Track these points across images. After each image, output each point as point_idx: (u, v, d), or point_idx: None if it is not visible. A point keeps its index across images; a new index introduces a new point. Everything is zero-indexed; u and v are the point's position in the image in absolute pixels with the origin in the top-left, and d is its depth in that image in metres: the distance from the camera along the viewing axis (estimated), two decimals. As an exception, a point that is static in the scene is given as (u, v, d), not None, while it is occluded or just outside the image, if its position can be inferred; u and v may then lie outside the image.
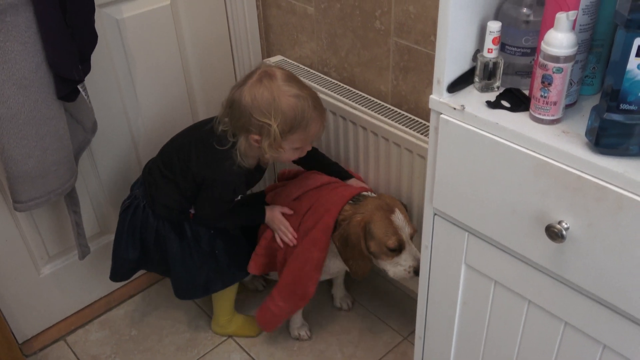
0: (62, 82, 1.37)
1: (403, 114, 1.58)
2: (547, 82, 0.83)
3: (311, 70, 1.80)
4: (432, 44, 1.47)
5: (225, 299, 1.78)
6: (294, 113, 1.38)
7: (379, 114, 1.58)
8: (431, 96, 0.94)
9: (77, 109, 1.51)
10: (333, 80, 1.74)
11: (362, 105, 1.61)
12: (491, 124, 0.88)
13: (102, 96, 1.64)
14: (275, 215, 1.59)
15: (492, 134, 0.88)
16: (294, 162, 1.68)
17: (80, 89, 1.43)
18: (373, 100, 1.64)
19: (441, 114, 0.94)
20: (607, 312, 0.87)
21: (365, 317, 1.88)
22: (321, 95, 1.67)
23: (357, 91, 1.69)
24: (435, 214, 1.05)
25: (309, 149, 1.50)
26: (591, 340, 0.91)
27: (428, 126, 1.51)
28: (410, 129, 1.51)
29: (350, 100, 1.64)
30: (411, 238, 1.51)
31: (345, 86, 1.71)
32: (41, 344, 1.83)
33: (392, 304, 1.92)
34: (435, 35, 1.38)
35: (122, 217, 1.64)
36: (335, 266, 1.64)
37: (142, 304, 1.97)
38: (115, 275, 1.71)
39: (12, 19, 1.24)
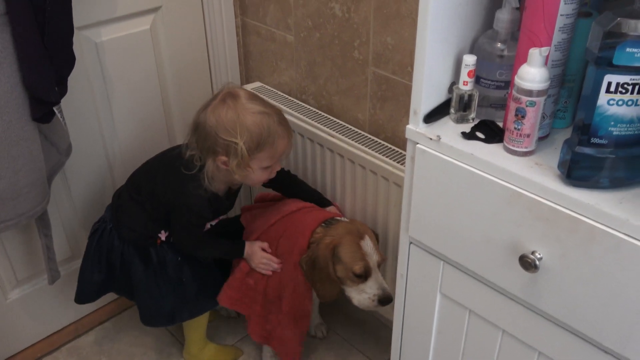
0: (37, 104, 1.36)
1: (380, 142, 1.59)
2: (520, 115, 0.85)
3: (289, 97, 1.81)
4: (409, 75, 1.49)
5: (195, 328, 1.75)
6: (260, 129, 1.38)
7: (355, 141, 1.59)
8: (408, 126, 0.96)
9: (51, 130, 1.49)
10: (311, 108, 1.76)
11: (340, 133, 1.62)
12: (466, 155, 0.89)
13: (78, 118, 1.63)
14: (255, 252, 1.57)
15: (467, 165, 0.90)
16: (274, 189, 1.69)
17: (56, 111, 1.42)
18: (350, 128, 1.66)
19: (417, 143, 0.95)
20: (580, 343, 0.88)
21: (340, 345, 1.87)
22: (298, 123, 1.69)
23: (334, 119, 1.70)
24: (410, 243, 1.06)
25: (278, 168, 1.50)
26: (564, 370, 0.92)
27: (404, 155, 1.53)
28: (386, 157, 1.53)
29: (327, 127, 1.65)
30: (379, 267, 1.51)
31: (323, 114, 1.72)
32: (6, 372, 1.78)
33: (367, 332, 1.91)
34: (412, 66, 1.40)
35: (90, 239, 1.63)
36: None
37: (112, 330, 1.93)
38: (80, 297, 1.67)
39: (-11, 40, 1.24)
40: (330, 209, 1.66)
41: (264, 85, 1.88)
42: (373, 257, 1.48)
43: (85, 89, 1.62)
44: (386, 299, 1.48)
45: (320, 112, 1.73)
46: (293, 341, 1.66)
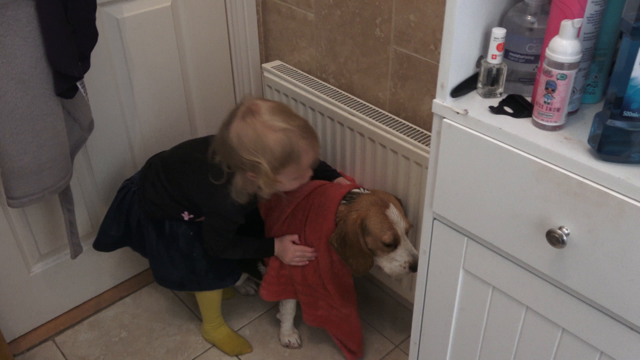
0: (61, 79, 1.36)
1: (400, 122, 1.58)
2: (550, 88, 0.83)
3: (309, 76, 1.80)
4: (432, 53, 1.47)
5: (208, 304, 1.76)
6: (282, 147, 1.34)
7: (376, 120, 1.58)
8: (434, 100, 0.94)
9: (74, 106, 1.50)
10: (331, 87, 1.74)
11: (360, 112, 1.61)
12: (494, 129, 0.88)
13: (99, 95, 1.63)
14: (286, 247, 1.57)
15: (495, 139, 0.88)
16: None
17: (79, 86, 1.42)
18: (371, 107, 1.64)
19: (444, 118, 0.94)
20: (606, 319, 0.87)
21: (357, 324, 1.87)
22: (318, 101, 1.68)
23: (355, 98, 1.69)
24: (434, 219, 1.05)
25: (310, 174, 1.48)
26: (589, 347, 0.91)
27: (425, 134, 1.52)
28: (407, 136, 1.52)
29: (348, 106, 1.64)
30: (407, 233, 1.51)
31: (343, 92, 1.71)
32: (29, 344, 1.81)
33: (384, 311, 1.91)
34: (435, 44, 1.39)
35: (117, 194, 1.65)
36: None
37: (132, 305, 1.95)
38: (97, 244, 1.71)
39: (13, 13, 1.23)
40: (340, 180, 1.66)
41: (284, 64, 1.87)
42: (400, 225, 1.48)
43: (106, 65, 1.62)
44: (415, 265, 1.48)
45: (340, 91, 1.72)
46: (350, 319, 1.67)
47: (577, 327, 0.91)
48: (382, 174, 1.61)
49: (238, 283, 1.91)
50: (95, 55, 1.53)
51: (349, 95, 1.70)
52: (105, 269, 1.91)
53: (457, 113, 0.91)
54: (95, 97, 1.60)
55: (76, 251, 1.68)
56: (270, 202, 1.67)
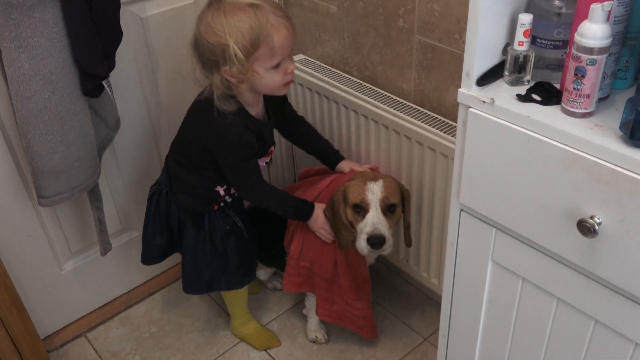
0: (87, 78, 1.38)
1: (426, 113, 1.56)
2: (580, 74, 0.81)
3: (333, 69, 1.79)
4: (456, 42, 1.45)
5: (234, 302, 1.77)
6: (249, 24, 1.27)
7: (401, 112, 1.56)
8: (460, 89, 0.93)
9: (101, 105, 1.51)
10: (354, 79, 1.73)
11: (384, 104, 1.60)
12: (522, 117, 0.86)
13: (125, 93, 1.64)
14: (319, 215, 1.54)
15: (523, 128, 0.87)
16: (287, 137, 1.70)
17: (105, 85, 1.43)
18: (395, 99, 1.63)
19: (470, 107, 0.92)
20: (639, 310, 0.85)
21: (385, 318, 1.86)
22: (342, 94, 1.67)
23: (379, 90, 1.68)
24: (461, 210, 1.03)
25: (292, 67, 1.39)
26: (622, 338, 0.89)
27: (451, 125, 1.50)
28: (433, 127, 1.50)
29: (371, 98, 1.62)
30: (385, 209, 1.46)
31: (366, 85, 1.70)
32: (62, 340, 1.84)
33: (413, 305, 1.90)
34: (459, 33, 1.37)
35: (148, 202, 1.63)
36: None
37: (162, 301, 1.97)
38: (146, 259, 1.70)
39: (40, 15, 1.25)
40: (342, 164, 1.63)
41: (307, 58, 1.86)
42: (375, 194, 1.44)
43: (131, 64, 1.63)
44: (374, 238, 1.42)
45: (364, 84, 1.71)
46: (364, 313, 1.66)
47: (610, 318, 0.89)
48: (408, 167, 1.60)
49: (265, 277, 1.91)
50: (120, 54, 1.54)
51: (373, 87, 1.69)
52: (135, 265, 1.93)
53: (484, 102, 0.90)
54: (121, 96, 1.62)
55: (106, 248, 1.70)
56: (295, 192, 1.67)
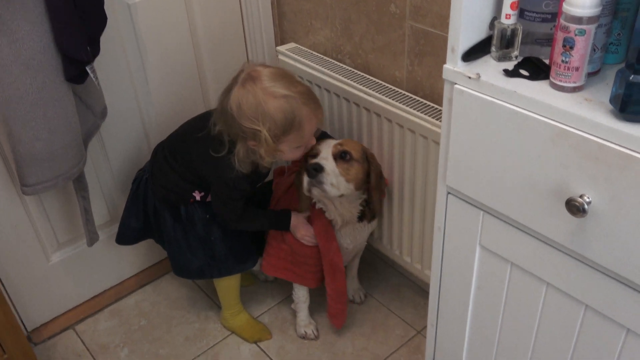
0: (70, 64, 1.34)
1: (418, 100, 1.52)
2: (568, 45, 0.77)
3: (325, 57, 1.75)
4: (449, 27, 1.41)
5: (226, 290, 1.73)
6: (283, 115, 1.31)
7: (393, 99, 1.52)
8: (445, 65, 0.89)
9: (86, 92, 1.48)
10: (347, 67, 1.69)
11: (376, 92, 1.56)
12: (508, 92, 0.82)
13: (112, 81, 1.61)
14: (299, 223, 1.55)
15: (509, 103, 0.83)
16: None
17: (89, 72, 1.40)
18: (387, 87, 1.59)
19: (455, 84, 0.88)
20: (631, 294, 0.81)
21: (378, 310, 1.82)
22: (334, 82, 1.63)
23: (371, 78, 1.64)
24: (448, 193, 1.00)
25: (313, 143, 1.45)
26: (614, 324, 0.85)
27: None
28: (425, 114, 1.46)
29: (363, 86, 1.59)
30: (339, 156, 1.44)
31: (359, 73, 1.66)
32: (50, 332, 1.80)
33: (406, 298, 1.86)
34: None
35: (132, 185, 1.63)
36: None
37: (152, 294, 1.93)
38: (119, 239, 1.69)
39: (20, -3, 1.22)
40: None
41: (299, 46, 1.82)
42: (330, 143, 1.46)
43: (118, 51, 1.59)
44: (310, 165, 1.40)
45: (356, 71, 1.67)
46: (333, 298, 1.64)
47: (601, 303, 0.85)
48: (400, 155, 1.56)
49: (256, 268, 1.88)
50: (107, 41, 1.51)
51: (365, 75, 1.65)
52: (125, 257, 1.90)
53: (469, 78, 0.86)
54: (108, 84, 1.59)
55: (92, 239, 1.67)
56: (285, 176, 1.65)
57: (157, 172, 1.55)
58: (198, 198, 1.55)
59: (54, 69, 1.32)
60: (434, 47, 1.48)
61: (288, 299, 1.85)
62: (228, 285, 1.72)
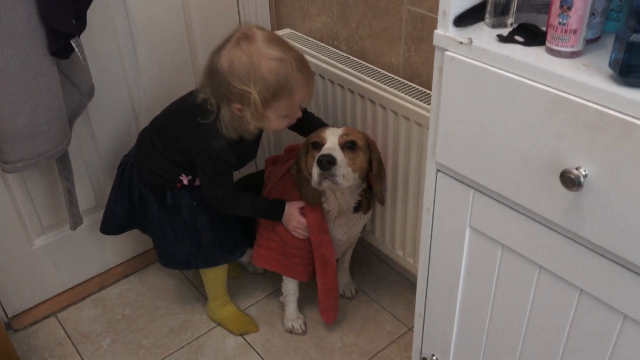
0: (54, 36, 1.29)
1: (414, 87, 1.48)
2: (566, 5, 0.72)
3: (320, 44, 1.71)
4: (446, 10, 1.36)
5: (213, 281, 1.68)
6: (276, 78, 1.25)
7: (388, 86, 1.47)
8: (436, 31, 0.84)
9: (72, 69, 1.43)
10: (342, 54, 1.65)
11: (372, 78, 1.51)
12: (502, 58, 0.77)
13: (100, 59, 1.57)
14: (292, 214, 1.49)
15: (503, 70, 0.77)
16: (293, 129, 1.59)
17: (75, 46, 1.35)
18: (383, 73, 1.54)
19: (446, 50, 0.83)
20: (630, 276, 0.75)
21: (369, 306, 1.77)
22: (328, 68, 1.59)
23: (366, 64, 1.59)
24: (438, 171, 0.94)
25: (299, 115, 1.39)
26: (610, 309, 0.79)
27: (439, 98, 1.41)
28: (420, 101, 1.41)
29: (359, 72, 1.54)
30: (346, 146, 1.39)
31: (354, 59, 1.61)
32: (31, 319, 1.75)
33: (398, 294, 1.80)
34: None
35: (117, 171, 1.58)
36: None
37: (137, 283, 1.88)
38: (104, 227, 1.63)
39: (1, -36, 1.18)
40: None
41: (295, 32, 1.78)
42: (334, 133, 1.40)
43: (108, 28, 1.55)
44: (321, 156, 1.33)
45: (351, 58, 1.62)
46: (324, 293, 1.58)
47: (597, 287, 0.79)
48: (394, 143, 1.50)
49: (245, 259, 1.82)
50: (96, 17, 1.47)
51: (361, 61, 1.60)
52: (111, 245, 1.85)
53: (461, 43, 0.81)
54: (95, 62, 1.54)
55: (76, 222, 1.62)
56: (277, 165, 1.60)
57: (142, 155, 1.50)
58: (185, 182, 1.50)
59: (37, 41, 1.27)
60: (430, 32, 1.41)
61: (277, 291, 1.80)
62: (215, 276, 1.67)
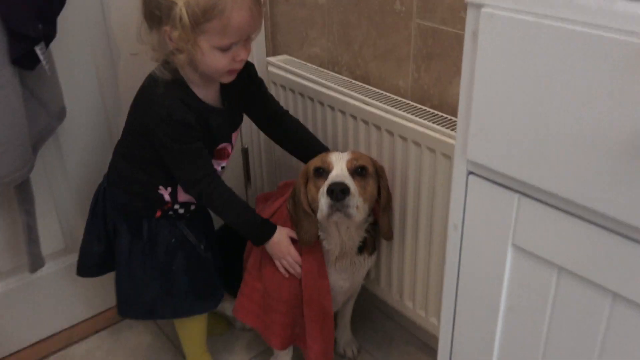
0: (15, 40, 1.11)
1: (423, 109, 1.28)
2: None
3: (319, 69, 1.53)
4: (462, 22, 1.18)
5: (190, 336, 1.41)
6: None
7: (395, 108, 1.28)
8: (468, -17, 0.64)
9: (39, 85, 1.23)
10: (344, 78, 1.46)
11: (376, 101, 1.32)
12: (562, 4, 0.57)
13: (74, 77, 1.37)
14: (281, 241, 1.25)
15: (562, 22, 0.57)
16: (269, 135, 1.41)
17: (40, 55, 1.16)
18: (389, 96, 1.35)
19: (482, 6, 0.63)
20: None
21: (374, 368, 1.49)
22: (327, 92, 1.40)
23: (370, 87, 1.40)
24: (469, 173, 0.72)
25: (244, 56, 1.13)
26: None
27: (454, 121, 1.21)
28: (432, 123, 1.21)
29: (361, 95, 1.34)
30: (356, 172, 1.19)
31: (356, 83, 1.43)
32: (-18, 380, 1.47)
33: (406, 353, 1.52)
34: (465, 10, 1.10)
35: (91, 201, 1.34)
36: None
37: (108, 340, 1.60)
38: (80, 269, 1.37)
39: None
40: None
41: (293, 59, 1.60)
42: (342, 157, 1.20)
43: (84, 44, 1.36)
44: (333, 184, 1.12)
45: (353, 81, 1.44)
46: (318, 354, 1.31)
47: None
48: (402, 173, 1.28)
49: (231, 313, 1.56)
50: (71, 30, 1.29)
51: (365, 85, 1.42)
52: (80, 296, 1.59)
53: (503, -7, 0.61)
54: (69, 80, 1.34)
55: (35, 264, 1.37)
56: (269, 202, 1.37)
57: (113, 173, 1.28)
58: (167, 197, 1.25)
59: (-5, 47, 1.08)
60: (443, 47, 1.24)
61: (268, 351, 1.53)
62: (192, 330, 1.40)
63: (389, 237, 1.31)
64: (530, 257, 0.69)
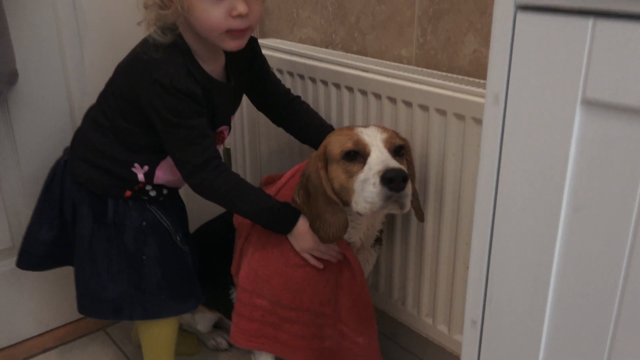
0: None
1: (428, 71, 1.09)
2: None
3: (311, 46, 1.35)
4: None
5: (155, 345, 1.14)
6: None
7: (397, 71, 1.09)
8: None
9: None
10: (336, 52, 1.28)
11: (375, 67, 1.13)
12: None
13: (33, 42, 1.18)
14: (308, 229, 1.00)
15: None
16: (275, 121, 1.22)
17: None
18: (388, 64, 1.17)
19: None
20: None
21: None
22: (320, 65, 1.23)
23: (367, 58, 1.22)
24: (517, 8, 0.50)
25: (241, 8, 0.93)
26: None
27: (466, 80, 1.02)
28: (443, 80, 1.01)
29: (358, 63, 1.16)
30: (395, 153, 0.98)
31: (351, 55, 1.25)
32: None
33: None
34: None
35: (47, 178, 1.11)
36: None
37: (57, 361, 1.32)
38: (21, 261, 1.12)
39: None
40: None
41: (284, 41, 1.43)
42: (375, 135, 0.97)
43: (48, 11, 1.18)
44: (390, 171, 0.90)
45: (347, 54, 1.26)
46: (367, 352, 1.08)
47: None
48: (422, 146, 1.06)
49: (204, 329, 1.29)
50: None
51: (360, 56, 1.24)
52: (27, 308, 1.32)
53: None
54: (22, 40, 1.15)
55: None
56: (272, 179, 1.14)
57: (81, 144, 1.06)
58: (140, 177, 1.03)
59: None
60: (453, 2, 1.07)
61: (244, 374, 1.24)
62: (159, 338, 1.13)
63: (422, 217, 1.06)
64: (605, 115, 0.45)
